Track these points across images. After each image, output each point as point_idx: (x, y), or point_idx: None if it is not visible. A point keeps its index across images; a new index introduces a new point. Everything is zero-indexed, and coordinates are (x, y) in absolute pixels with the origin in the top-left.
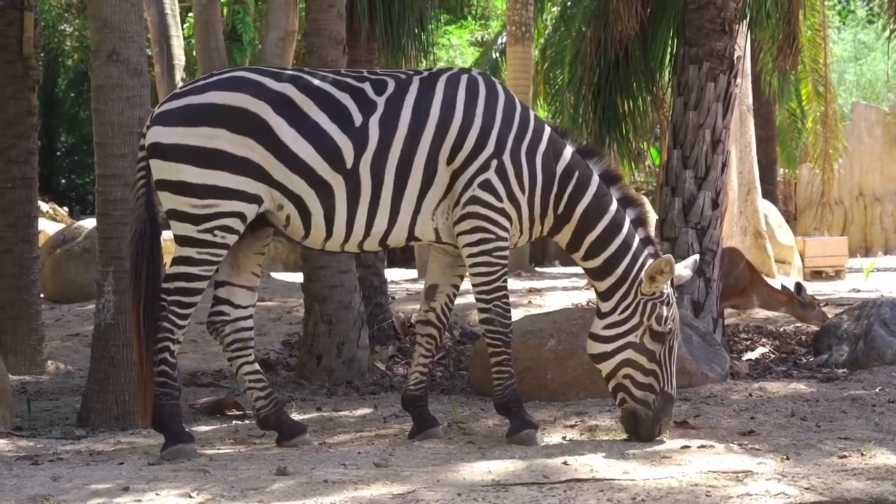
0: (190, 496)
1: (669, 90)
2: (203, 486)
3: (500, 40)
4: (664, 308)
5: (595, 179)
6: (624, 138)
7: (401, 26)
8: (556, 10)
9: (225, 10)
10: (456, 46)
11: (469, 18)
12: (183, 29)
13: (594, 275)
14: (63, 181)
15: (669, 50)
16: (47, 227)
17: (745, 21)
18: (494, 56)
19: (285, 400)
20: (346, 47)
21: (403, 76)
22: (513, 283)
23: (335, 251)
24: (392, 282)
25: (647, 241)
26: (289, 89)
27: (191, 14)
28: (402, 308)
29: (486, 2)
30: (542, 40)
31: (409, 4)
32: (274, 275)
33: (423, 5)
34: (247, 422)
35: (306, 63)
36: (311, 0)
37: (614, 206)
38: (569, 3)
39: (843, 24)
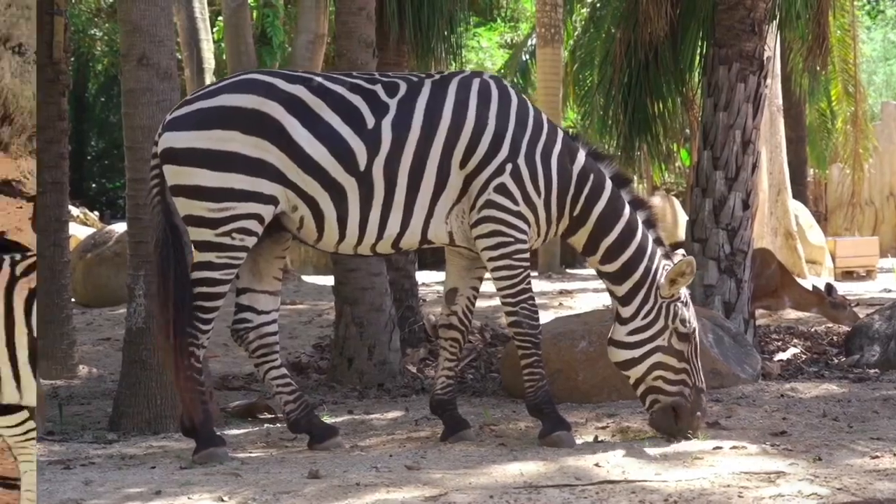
0: (222, 500)
1: (699, 91)
2: (235, 489)
3: (529, 42)
4: (684, 309)
5: (609, 183)
6: (654, 139)
7: (430, 29)
8: (585, 11)
9: (254, 14)
10: (485, 49)
11: (498, 20)
12: (213, 32)
13: (612, 279)
14: (93, 185)
15: (699, 51)
16: (78, 232)
17: (774, 22)
18: (524, 58)
19: (315, 403)
20: (375, 50)
21: (415, 79)
22: (543, 285)
23: (348, 254)
24: (423, 284)
25: (658, 241)
26: (300, 91)
27: (220, 18)
28: (432, 311)
29: (515, 4)
30: (571, 42)
31: (438, 7)
32: (305, 278)
33: (452, 8)
34: (278, 425)
35: (336, 66)
36: (341, 3)
37: (628, 209)
38: (598, 5)
39: (873, 23)
